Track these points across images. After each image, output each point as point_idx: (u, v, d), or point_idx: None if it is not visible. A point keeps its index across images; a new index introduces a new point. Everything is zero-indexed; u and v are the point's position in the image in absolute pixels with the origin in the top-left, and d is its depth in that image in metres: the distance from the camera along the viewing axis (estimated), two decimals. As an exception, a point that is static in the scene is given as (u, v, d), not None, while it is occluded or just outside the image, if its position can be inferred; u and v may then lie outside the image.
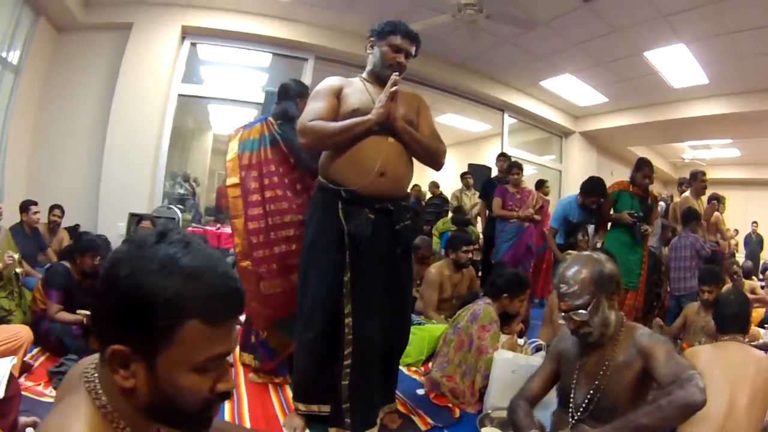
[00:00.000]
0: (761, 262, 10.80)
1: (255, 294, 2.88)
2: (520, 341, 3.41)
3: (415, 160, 2.39)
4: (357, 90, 2.32)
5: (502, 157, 6.54)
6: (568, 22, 6.28)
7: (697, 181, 5.98)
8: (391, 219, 2.24)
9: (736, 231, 10.54)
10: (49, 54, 6.25)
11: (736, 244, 9.88)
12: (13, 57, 5.61)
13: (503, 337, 3.17)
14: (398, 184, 2.27)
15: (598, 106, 9.52)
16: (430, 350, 3.55)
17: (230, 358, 0.83)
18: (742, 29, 5.69)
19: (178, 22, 6.56)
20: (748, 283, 6.06)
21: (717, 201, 6.35)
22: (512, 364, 2.77)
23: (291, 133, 2.84)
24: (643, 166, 4.53)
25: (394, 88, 2.15)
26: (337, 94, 2.30)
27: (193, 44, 6.89)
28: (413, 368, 3.54)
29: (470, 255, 4.48)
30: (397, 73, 2.20)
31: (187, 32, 6.71)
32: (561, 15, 6.15)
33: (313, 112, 2.24)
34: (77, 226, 5.86)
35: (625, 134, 10.24)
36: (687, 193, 6.28)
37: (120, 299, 0.72)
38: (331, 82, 2.36)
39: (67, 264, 3.47)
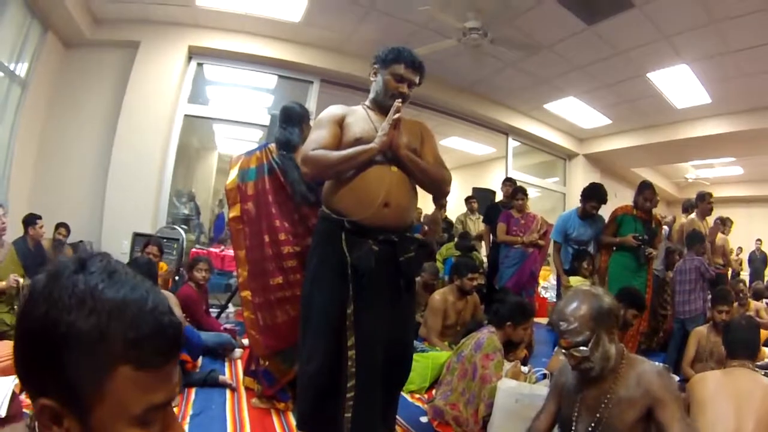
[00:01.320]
0: (766, 278, 10.77)
1: (255, 324, 2.89)
2: (524, 369, 3.41)
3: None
4: (360, 118, 2.31)
5: (508, 182, 6.56)
6: (571, 45, 6.32)
7: (704, 202, 6.00)
8: (395, 250, 2.20)
9: (740, 249, 10.49)
10: (57, 69, 6.27)
11: (740, 263, 9.84)
12: (21, 70, 5.62)
13: (507, 365, 3.16)
14: (402, 215, 2.25)
15: (601, 128, 9.54)
16: (434, 377, 3.54)
17: (176, 402, 0.73)
18: (743, 48, 5.72)
19: (185, 42, 6.61)
20: (753, 304, 6.02)
21: (722, 223, 6.34)
22: (516, 393, 2.77)
23: (288, 163, 2.85)
24: (644, 190, 4.57)
25: (397, 116, 2.13)
26: (340, 123, 2.29)
27: (200, 64, 6.94)
28: (416, 395, 3.52)
29: (475, 282, 4.47)
30: (400, 100, 2.18)
31: (193, 52, 6.76)
32: (564, 38, 6.19)
33: (315, 141, 2.23)
34: (81, 242, 5.87)
35: (628, 156, 10.25)
36: (693, 215, 6.28)
37: (35, 342, 0.62)
38: (334, 110, 2.35)
39: None
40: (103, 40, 6.39)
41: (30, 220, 4.87)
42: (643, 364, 1.83)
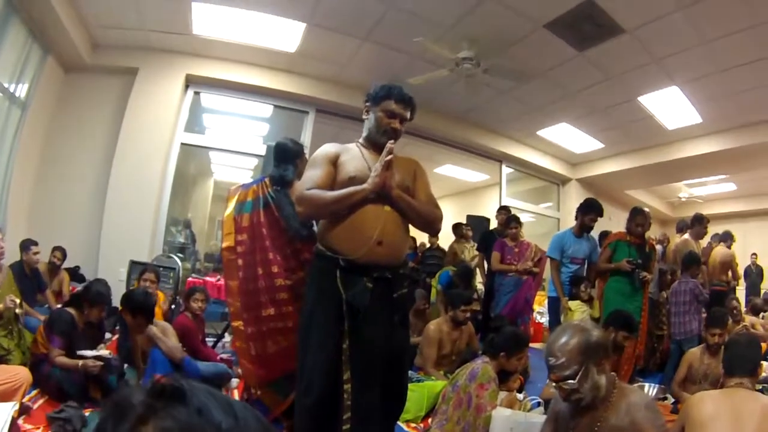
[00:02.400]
0: (762, 292, 10.78)
1: (246, 353, 2.93)
2: (520, 396, 3.43)
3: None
4: (353, 157, 2.36)
5: (503, 210, 6.62)
6: (563, 72, 6.41)
7: (700, 225, 6.08)
8: (389, 287, 2.25)
9: (736, 264, 10.55)
10: (56, 92, 6.31)
11: (737, 278, 9.88)
12: (21, 92, 5.62)
13: (502, 394, 3.18)
14: (395, 253, 2.29)
15: (594, 152, 9.62)
16: (429, 406, 3.56)
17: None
18: (732, 66, 5.79)
19: (183, 71, 6.68)
20: (748, 319, 6.05)
21: (723, 239, 6.37)
22: (511, 422, 2.79)
23: (283, 198, 2.90)
24: (636, 216, 4.68)
25: (389, 157, 2.17)
26: (334, 162, 2.34)
27: (197, 93, 7.00)
28: (412, 424, 3.53)
29: (468, 314, 4.50)
30: (392, 141, 2.23)
31: (191, 81, 6.83)
32: (556, 66, 6.28)
33: (310, 180, 2.27)
34: (77, 267, 5.91)
35: (622, 179, 10.33)
36: (686, 236, 6.33)
37: None
38: (328, 149, 2.40)
39: (72, 311, 3.48)
40: (102, 65, 6.45)
41: (25, 246, 4.91)
42: (633, 395, 1.89)
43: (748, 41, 5.21)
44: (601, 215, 4.98)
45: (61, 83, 6.37)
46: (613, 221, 7.88)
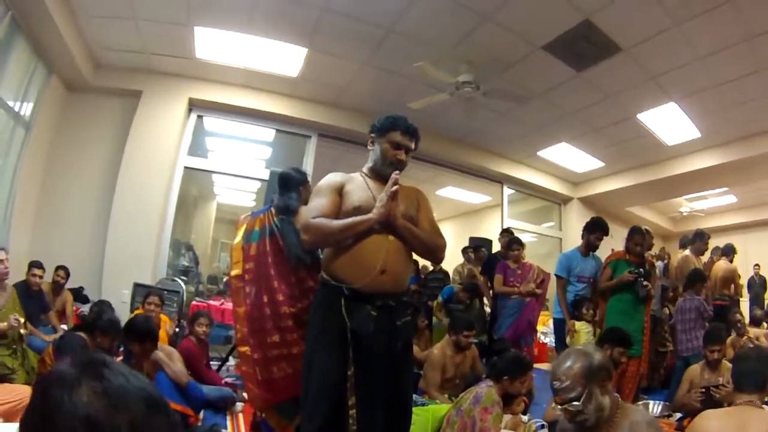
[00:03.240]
0: (766, 302, 10.73)
1: (252, 377, 2.95)
2: (524, 418, 3.43)
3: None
4: (358, 187, 2.39)
5: (505, 232, 6.63)
6: (561, 92, 6.47)
7: (701, 241, 6.09)
8: (392, 315, 2.27)
9: (739, 276, 10.53)
10: (59, 112, 6.33)
11: (739, 292, 9.85)
12: (25, 111, 5.63)
13: (506, 417, 3.19)
14: (399, 281, 2.31)
15: (594, 171, 9.66)
16: (434, 430, 3.52)
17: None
18: (727, 80, 5.82)
19: (186, 94, 6.74)
20: (752, 331, 6.04)
21: (725, 253, 6.38)
22: (515, 446, 2.79)
23: (287, 227, 2.95)
24: (634, 235, 4.70)
25: (395, 188, 2.20)
26: (339, 191, 2.37)
27: (200, 116, 7.06)
28: (417, 449, 3.52)
29: (471, 339, 4.51)
30: (397, 172, 2.26)
31: (194, 104, 6.90)
32: (555, 86, 6.34)
33: (315, 209, 2.31)
34: (81, 288, 5.90)
35: (622, 196, 10.34)
36: (687, 252, 6.35)
37: None
38: (333, 178, 2.44)
39: (84, 336, 3.49)
40: (105, 86, 6.50)
41: (28, 267, 4.94)
42: (636, 414, 1.93)
43: (742, 54, 5.26)
44: (607, 234, 5.01)
45: (64, 103, 6.40)
46: (615, 239, 7.88)
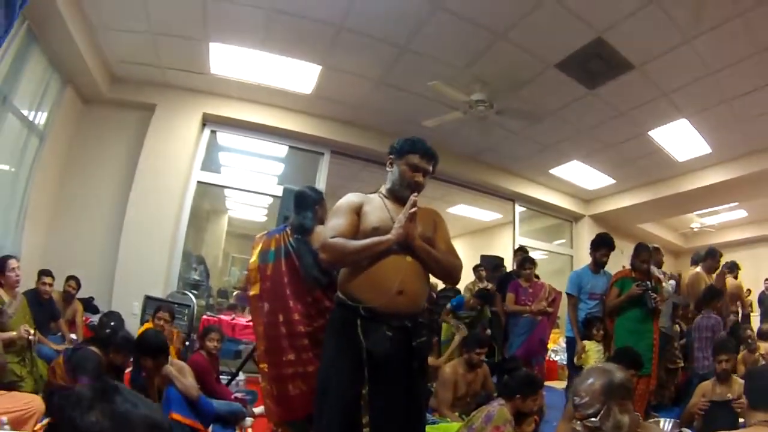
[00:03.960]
0: (776, 317, 10.62)
1: (269, 393, 3.00)
2: (535, 437, 3.41)
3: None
4: (376, 207, 2.40)
5: (519, 251, 6.60)
6: (574, 110, 6.50)
7: (713, 259, 6.05)
8: (408, 335, 2.28)
9: (749, 291, 10.38)
10: (74, 124, 6.37)
11: (750, 304, 9.74)
12: (40, 120, 5.66)
13: (518, 436, 3.17)
14: (415, 302, 2.32)
15: (606, 188, 9.65)
16: (445, 449, 3.54)
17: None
18: (738, 95, 5.82)
19: (200, 109, 6.80)
20: (763, 346, 5.97)
21: (730, 270, 6.33)
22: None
23: (302, 247, 2.98)
24: (641, 252, 4.68)
25: (414, 209, 2.22)
26: (358, 211, 2.39)
27: (213, 131, 7.12)
28: (429, 467, 3.50)
29: (483, 357, 4.50)
30: (416, 194, 2.27)
31: (207, 119, 6.96)
32: (567, 104, 6.37)
33: (334, 228, 2.32)
34: (91, 298, 5.94)
35: (634, 213, 10.31)
36: (699, 269, 6.30)
37: None
38: (352, 198, 2.45)
39: (97, 351, 3.48)
40: (120, 99, 6.56)
41: (38, 275, 4.96)
42: None
43: (752, 69, 5.26)
44: (612, 249, 5.00)
45: (79, 114, 6.46)
46: (626, 255, 7.85)
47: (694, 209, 11.19)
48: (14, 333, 3.71)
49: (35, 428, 2.83)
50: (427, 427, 3.17)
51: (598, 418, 1.82)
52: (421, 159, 2.42)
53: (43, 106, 5.67)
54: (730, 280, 6.70)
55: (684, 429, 4.07)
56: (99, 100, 6.48)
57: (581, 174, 8.96)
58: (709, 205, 10.66)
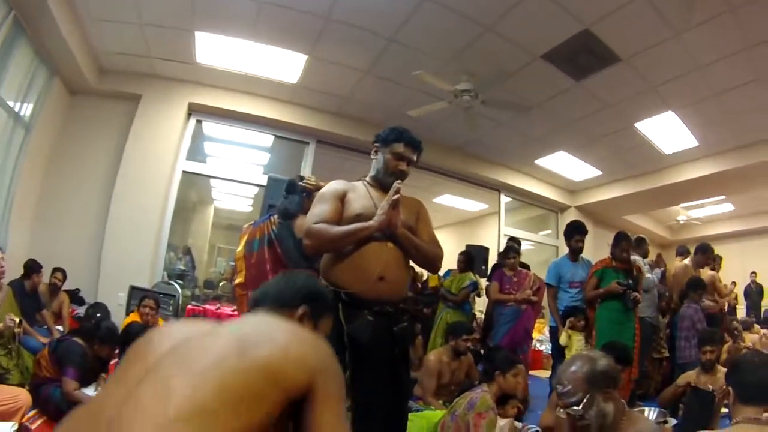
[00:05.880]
0: (763, 309, 10.75)
1: None
2: (519, 425, 3.43)
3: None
4: (360, 195, 2.42)
5: (511, 240, 6.59)
6: (560, 102, 6.51)
7: (704, 256, 6.07)
8: (389, 321, 2.29)
9: (734, 284, 10.56)
10: (61, 115, 6.33)
11: (736, 297, 9.86)
12: (26, 111, 5.61)
13: (502, 422, 3.19)
14: (397, 288, 2.34)
15: (592, 179, 9.70)
16: (429, 437, 3.55)
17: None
18: (726, 90, 5.86)
19: (186, 99, 6.77)
20: (748, 338, 6.05)
21: (712, 260, 6.39)
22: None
23: (285, 231, 2.98)
24: (620, 241, 4.66)
25: (397, 196, 2.24)
26: (342, 198, 2.40)
27: (199, 121, 7.07)
28: (412, 455, 3.52)
29: (469, 344, 4.53)
30: (399, 182, 2.30)
31: (193, 109, 6.92)
32: (554, 96, 6.38)
33: (318, 215, 2.33)
34: (77, 290, 5.91)
35: (620, 205, 10.38)
36: (687, 262, 6.34)
37: None
38: (336, 186, 2.46)
39: (81, 342, 3.48)
40: (107, 90, 6.52)
41: (29, 270, 4.94)
42: (641, 423, 1.95)
43: (740, 64, 5.30)
44: (584, 233, 5.06)
45: (66, 105, 6.42)
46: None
47: (681, 202, 11.26)
48: (0, 324, 3.68)
49: (22, 420, 2.83)
50: (411, 415, 3.19)
51: (581, 406, 1.83)
52: (405, 148, 2.43)
53: (29, 97, 5.62)
54: (706, 272, 6.76)
55: (669, 418, 4.12)
56: (86, 92, 6.44)
57: (567, 165, 9.00)
58: (696, 198, 10.74)
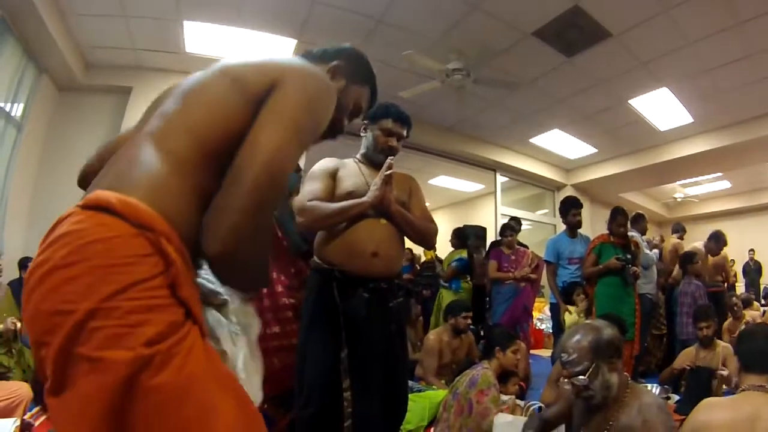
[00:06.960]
0: (762, 287, 10.79)
1: None
2: (521, 402, 3.45)
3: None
4: (351, 172, 2.41)
5: (512, 220, 6.59)
6: (552, 79, 6.48)
7: (718, 244, 6.16)
8: (384, 297, 2.28)
9: (733, 261, 10.60)
10: (51, 112, 6.28)
11: (735, 274, 9.90)
12: (17, 112, 5.57)
13: (505, 398, 3.21)
14: (391, 264, 2.32)
15: (587, 157, 9.69)
16: (431, 416, 3.54)
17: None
18: (719, 65, 5.85)
19: (176, 90, 6.69)
20: (748, 314, 6.07)
21: (716, 240, 6.42)
22: (513, 428, 2.80)
23: (285, 213, 2.94)
24: (617, 216, 4.66)
25: (389, 172, 2.23)
26: (333, 176, 2.39)
27: (190, 112, 6.99)
28: (415, 435, 3.52)
29: (469, 321, 4.53)
30: (392, 157, 2.28)
31: (184, 99, 6.83)
32: (545, 73, 6.35)
33: (310, 192, 2.31)
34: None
35: (616, 182, 10.39)
36: (699, 245, 6.34)
37: None
38: (327, 163, 2.46)
39: None
40: (96, 85, 6.44)
41: (24, 264, 4.96)
42: (646, 396, 1.92)
43: (732, 40, 5.28)
44: (579, 207, 5.07)
45: (55, 103, 6.35)
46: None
47: (677, 179, 11.29)
48: (0, 325, 3.67)
49: (24, 416, 2.81)
50: (413, 396, 3.20)
51: (587, 375, 1.81)
52: (394, 123, 2.42)
53: (19, 96, 5.57)
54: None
55: (672, 395, 4.14)
56: (74, 87, 6.36)
57: (562, 143, 8.98)
58: (692, 175, 10.77)
